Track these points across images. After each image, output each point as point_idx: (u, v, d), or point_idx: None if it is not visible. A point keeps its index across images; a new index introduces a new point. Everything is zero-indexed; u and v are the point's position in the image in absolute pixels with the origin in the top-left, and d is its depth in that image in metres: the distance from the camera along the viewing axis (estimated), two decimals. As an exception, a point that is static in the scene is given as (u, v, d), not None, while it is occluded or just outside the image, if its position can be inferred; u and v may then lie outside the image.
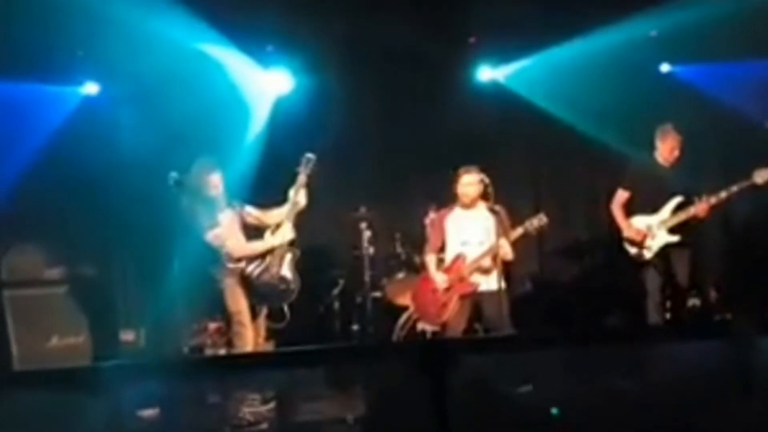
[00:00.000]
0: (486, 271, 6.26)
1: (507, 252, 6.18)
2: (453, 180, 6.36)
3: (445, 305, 6.35)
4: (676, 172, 6.71)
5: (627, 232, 6.75)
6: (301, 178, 6.23)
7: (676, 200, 6.63)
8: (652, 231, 6.67)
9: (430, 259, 6.51)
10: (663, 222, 6.65)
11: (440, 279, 6.37)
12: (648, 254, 6.70)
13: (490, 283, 6.19)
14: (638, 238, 6.70)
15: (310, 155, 6.26)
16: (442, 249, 6.47)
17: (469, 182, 6.27)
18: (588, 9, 7.22)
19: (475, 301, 6.36)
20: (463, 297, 6.32)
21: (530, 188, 8.32)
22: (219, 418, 5.51)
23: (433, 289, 6.42)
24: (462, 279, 6.30)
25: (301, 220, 6.31)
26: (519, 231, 6.27)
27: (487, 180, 6.13)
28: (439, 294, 6.38)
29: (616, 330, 6.70)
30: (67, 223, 7.23)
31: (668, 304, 6.91)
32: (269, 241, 6.20)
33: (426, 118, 8.06)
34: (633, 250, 6.75)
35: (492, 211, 6.08)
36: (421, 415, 4.25)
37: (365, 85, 7.91)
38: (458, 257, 6.34)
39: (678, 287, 6.77)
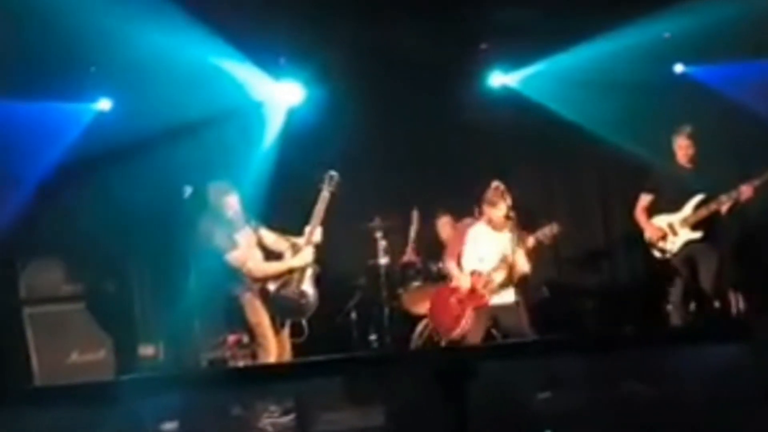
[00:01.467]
0: (502, 286, 6.26)
1: (523, 264, 6.18)
2: (483, 196, 6.36)
3: (458, 317, 6.35)
4: (696, 172, 6.70)
5: (648, 233, 6.76)
6: (324, 195, 6.24)
7: (698, 197, 6.63)
8: (673, 228, 6.66)
9: (452, 266, 6.50)
10: (685, 219, 6.65)
11: (465, 282, 6.34)
12: (670, 252, 6.69)
13: (504, 296, 6.22)
14: (659, 235, 6.70)
15: (333, 173, 6.26)
16: (458, 257, 6.47)
17: (501, 207, 6.25)
18: (600, 13, 7.21)
19: (492, 315, 6.37)
20: (476, 309, 6.31)
21: (543, 194, 8.30)
22: (240, 430, 5.53)
23: (447, 302, 6.43)
24: (473, 291, 6.30)
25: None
26: (531, 241, 6.26)
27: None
28: (452, 306, 6.38)
29: (636, 334, 6.67)
30: (85, 239, 7.26)
31: (693, 306, 6.88)
32: (289, 262, 6.19)
33: (438, 125, 8.07)
34: (655, 250, 6.76)
35: (507, 217, 6.09)
36: (440, 423, 4.25)
37: (377, 94, 7.91)
38: (474, 272, 6.35)
39: (703, 288, 6.74)
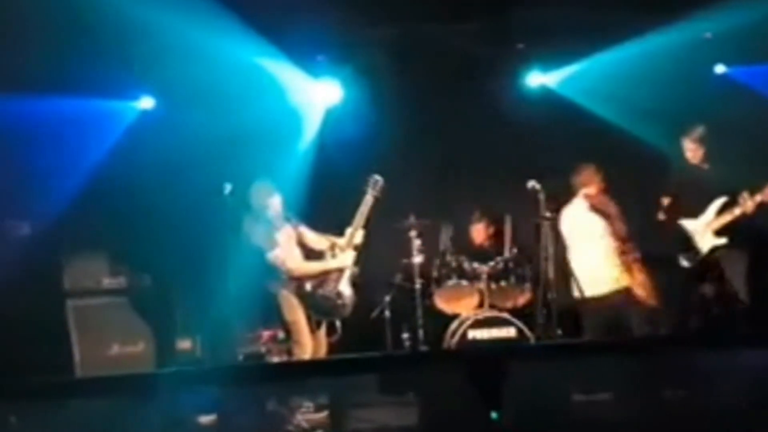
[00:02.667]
0: None
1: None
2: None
3: None
4: (717, 173, 6.62)
5: (671, 238, 6.72)
6: (368, 198, 6.30)
7: (720, 201, 6.54)
8: (698, 235, 6.58)
9: None
10: (708, 224, 6.55)
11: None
12: (694, 259, 6.63)
13: None
14: (678, 245, 6.65)
15: (377, 177, 6.32)
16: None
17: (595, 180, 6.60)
18: (639, 13, 7.15)
19: None
20: None
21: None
22: (274, 425, 5.61)
23: None
24: None
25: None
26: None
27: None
28: None
29: (672, 338, 6.63)
30: (127, 234, 7.38)
31: (717, 310, 6.80)
32: (329, 263, 6.25)
33: (476, 125, 8.05)
34: (680, 258, 6.68)
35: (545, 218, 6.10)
36: (473, 422, 4.28)
37: (415, 93, 7.93)
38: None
39: (732, 292, 6.66)
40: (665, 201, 6.82)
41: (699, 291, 6.72)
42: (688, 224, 6.66)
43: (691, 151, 6.68)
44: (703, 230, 6.56)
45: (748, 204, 6.38)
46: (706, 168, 6.66)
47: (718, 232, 6.55)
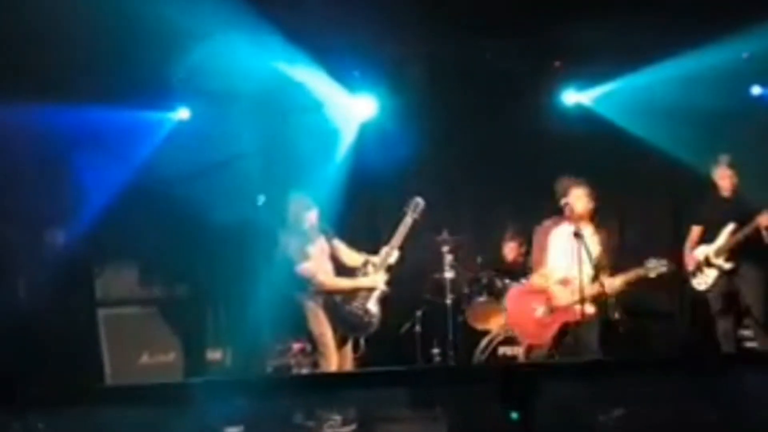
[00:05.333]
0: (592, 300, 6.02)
1: (612, 282, 6.03)
2: (558, 191, 6.23)
3: (546, 327, 6.22)
4: (738, 201, 6.60)
5: (687, 263, 6.67)
6: (407, 220, 6.30)
7: (731, 226, 6.50)
8: (709, 259, 6.54)
9: (544, 273, 6.30)
10: (719, 249, 6.50)
11: (562, 295, 6.16)
12: (705, 284, 6.63)
13: (588, 309, 5.98)
14: (692, 269, 6.64)
15: (419, 199, 6.33)
16: (542, 263, 6.33)
17: (578, 196, 6.14)
18: (675, 33, 7.10)
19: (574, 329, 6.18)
20: (566, 326, 6.16)
21: (615, 216, 8.16)
22: (302, 438, 5.59)
23: (532, 309, 6.30)
24: (567, 306, 6.11)
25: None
26: (637, 272, 6.03)
27: (595, 195, 6.08)
28: (542, 315, 6.26)
29: (700, 358, 6.54)
30: (159, 245, 7.45)
31: (738, 333, 6.71)
32: (361, 281, 6.26)
33: (510, 142, 8.05)
34: (693, 281, 6.65)
35: (576, 235, 5.91)
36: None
37: (449, 109, 7.94)
38: (567, 281, 6.15)
39: (748, 315, 6.60)
40: (696, 230, 6.77)
41: (714, 315, 6.67)
42: (703, 249, 6.67)
43: (727, 178, 6.61)
44: (715, 255, 6.53)
45: (761, 220, 6.30)
46: (729, 197, 6.60)
47: (731, 257, 6.52)
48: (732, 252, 6.52)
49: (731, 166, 6.62)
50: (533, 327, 6.32)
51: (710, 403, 4.42)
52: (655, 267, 5.98)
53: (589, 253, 5.87)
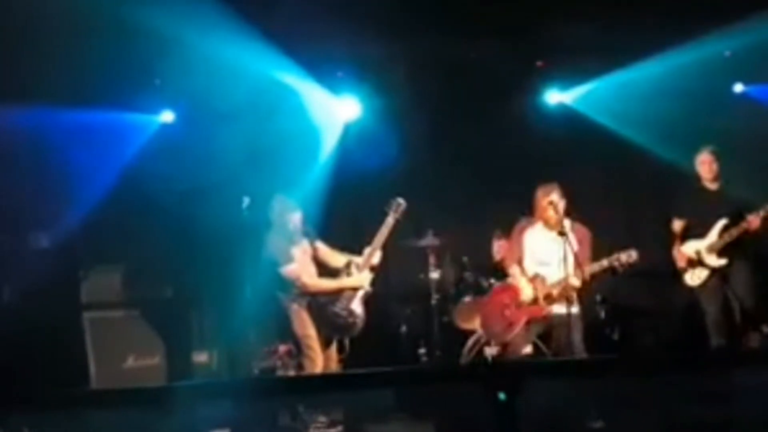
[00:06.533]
0: (560, 297, 6.11)
1: (576, 280, 6.04)
2: (535, 196, 6.29)
3: (511, 325, 6.28)
4: (725, 194, 6.59)
5: (677, 260, 6.68)
6: (389, 221, 6.29)
7: (722, 223, 6.50)
8: (700, 256, 6.56)
9: (515, 271, 6.37)
10: (711, 246, 6.52)
11: (527, 291, 6.24)
12: (697, 280, 6.61)
13: (561, 306, 6.08)
14: (683, 265, 6.61)
15: (400, 200, 6.31)
16: (519, 262, 6.38)
17: (556, 201, 6.17)
18: (657, 31, 7.15)
19: (545, 324, 6.29)
20: (532, 321, 6.25)
21: (600, 212, 8.20)
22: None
23: (502, 306, 6.35)
24: (534, 301, 6.21)
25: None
26: (603, 264, 6.09)
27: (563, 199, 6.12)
28: (508, 312, 6.30)
29: (688, 357, 6.57)
30: (144, 248, 7.43)
31: (729, 330, 6.72)
32: (346, 281, 6.25)
33: (494, 142, 8.06)
34: (684, 277, 6.67)
35: (561, 234, 6.00)
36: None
37: (433, 109, 7.95)
38: (536, 278, 6.24)
39: (741, 312, 6.60)
40: (678, 224, 6.79)
41: (705, 311, 6.65)
42: (693, 245, 6.64)
43: (707, 164, 6.63)
44: (707, 251, 6.53)
45: (754, 221, 6.31)
46: (718, 187, 6.62)
47: (722, 254, 6.50)
48: (723, 249, 6.52)
49: (712, 152, 6.63)
50: (500, 325, 6.37)
51: (700, 401, 4.44)
52: (622, 257, 6.04)
53: (572, 249, 5.92)
